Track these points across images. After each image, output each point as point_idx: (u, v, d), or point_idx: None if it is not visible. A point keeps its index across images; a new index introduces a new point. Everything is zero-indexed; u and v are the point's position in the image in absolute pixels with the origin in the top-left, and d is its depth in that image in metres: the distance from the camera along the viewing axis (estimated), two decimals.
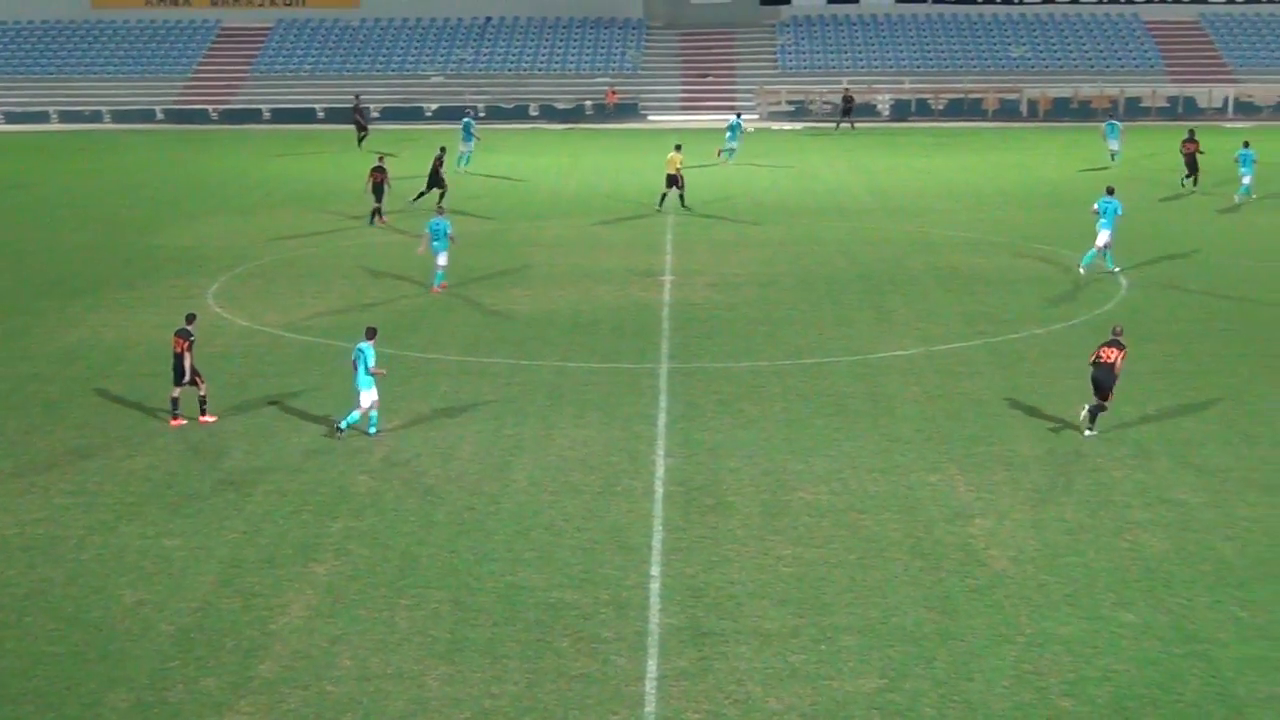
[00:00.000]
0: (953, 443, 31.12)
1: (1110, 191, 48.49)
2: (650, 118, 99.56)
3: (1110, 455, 30.27)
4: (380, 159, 59.68)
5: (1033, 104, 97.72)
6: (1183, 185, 66.69)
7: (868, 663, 21.48)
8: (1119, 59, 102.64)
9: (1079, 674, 21.14)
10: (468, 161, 73.75)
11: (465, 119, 78.35)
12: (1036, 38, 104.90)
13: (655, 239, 54.53)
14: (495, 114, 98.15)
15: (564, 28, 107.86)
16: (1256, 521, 26.78)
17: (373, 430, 31.83)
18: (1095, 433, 31.73)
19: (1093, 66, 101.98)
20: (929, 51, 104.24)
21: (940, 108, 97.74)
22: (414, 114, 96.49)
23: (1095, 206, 47.74)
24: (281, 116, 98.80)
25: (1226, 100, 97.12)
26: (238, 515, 27.35)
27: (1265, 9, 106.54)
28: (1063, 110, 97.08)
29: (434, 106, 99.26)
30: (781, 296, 44.84)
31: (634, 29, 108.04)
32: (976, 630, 22.49)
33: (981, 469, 29.50)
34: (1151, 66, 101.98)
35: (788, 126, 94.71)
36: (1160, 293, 44.92)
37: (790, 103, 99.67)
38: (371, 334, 31.85)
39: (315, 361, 36.89)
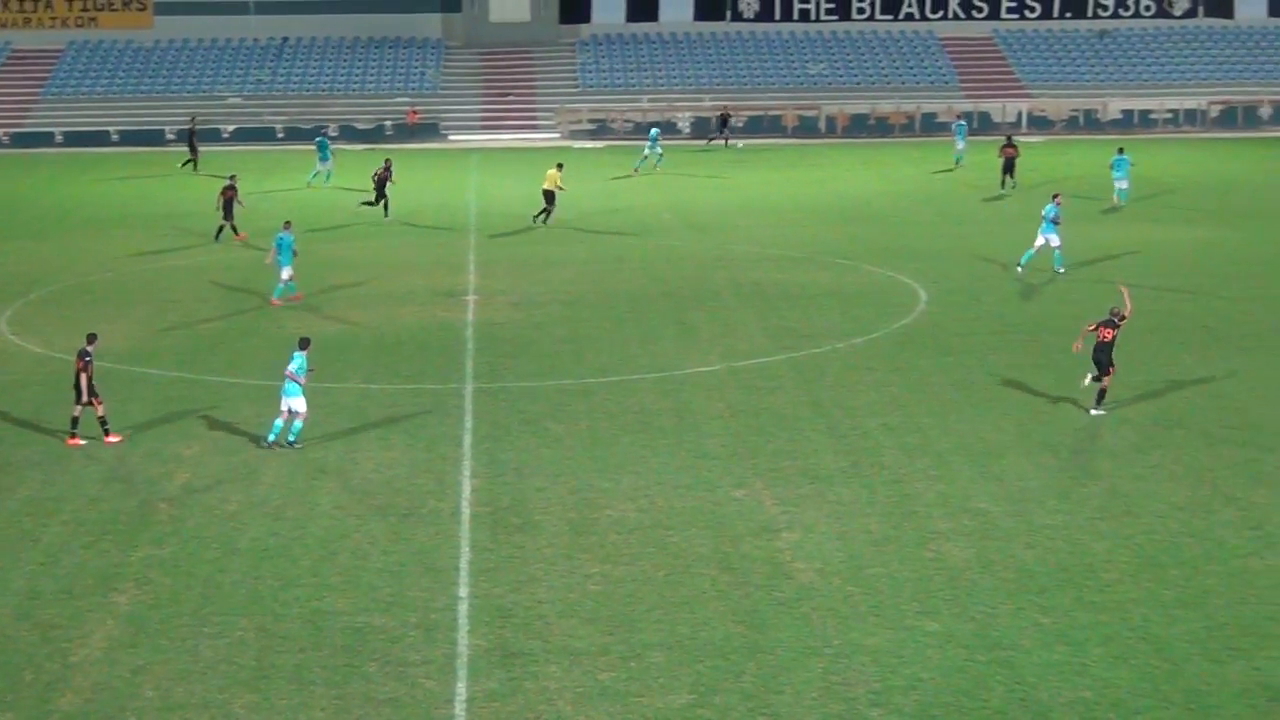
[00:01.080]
0: (758, 457, 31.32)
1: (1056, 198, 51.01)
2: (451, 137, 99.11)
3: (912, 467, 30.64)
4: (231, 178, 59.39)
5: (831, 120, 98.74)
6: (1002, 187, 69.97)
7: (677, 679, 21.50)
8: (915, 76, 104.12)
9: (886, 684, 21.33)
10: (328, 179, 74.17)
11: (320, 138, 78.38)
12: (834, 55, 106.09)
13: (458, 259, 54.31)
14: (294, 135, 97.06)
15: (362, 48, 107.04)
16: (1056, 529, 27.23)
17: (293, 440, 31.99)
18: (1103, 412, 33.89)
19: (889, 83, 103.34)
20: (728, 69, 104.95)
21: (740, 125, 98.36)
22: (211, 135, 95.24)
23: (1044, 212, 50.07)
24: (75, 140, 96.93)
25: (1021, 115, 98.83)
26: (34, 546, 26.75)
27: (1056, 25, 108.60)
28: (861, 127, 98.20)
29: (232, 128, 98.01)
30: (585, 315, 44.87)
31: (433, 48, 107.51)
32: (785, 643, 22.61)
33: (787, 483, 29.71)
34: (947, 83, 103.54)
35: (589, 145, 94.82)
36: (960, 305, 45.59)
37: (591, 121, 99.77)
38: (304, 344, 32.29)
39: (111, 387, 36.23)
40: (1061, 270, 50.06)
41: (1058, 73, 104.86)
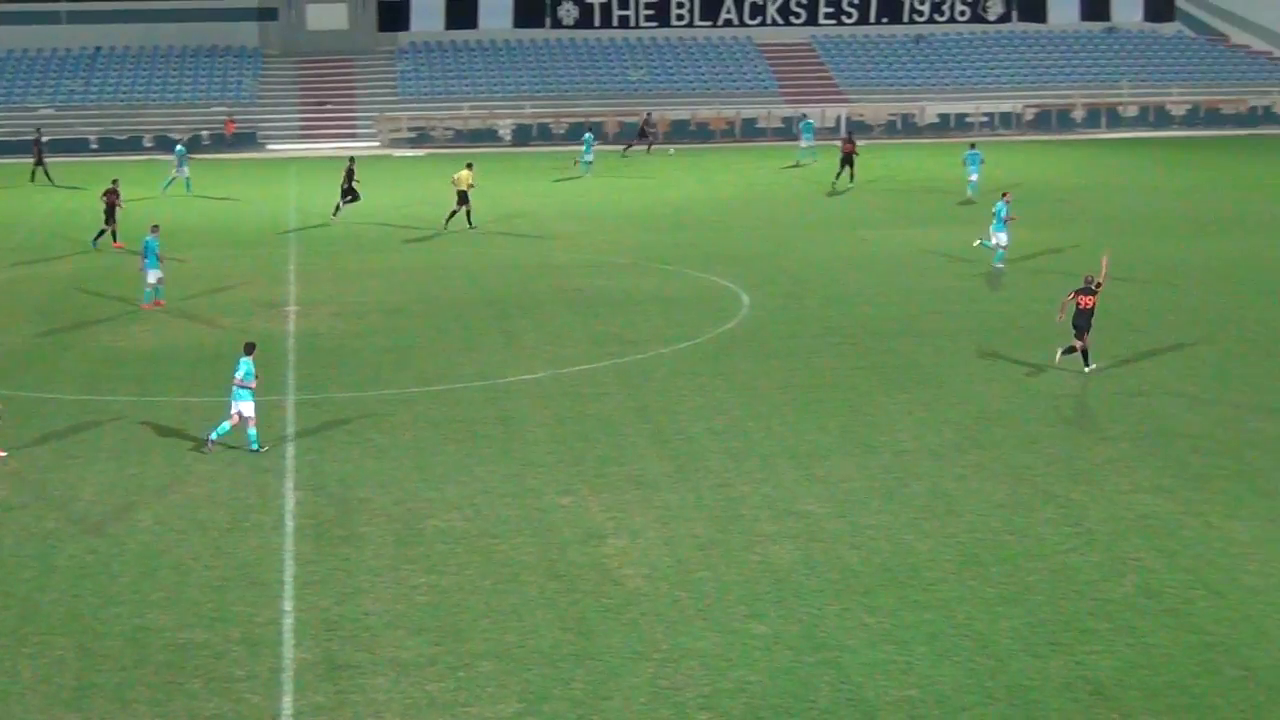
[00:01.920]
0: (584, 464, 31.28)
1: (1005, 195, 52.67)
2: (270, 147, 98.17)
3: (737, 470, 30.76)
4: (114, 182, 59.12)
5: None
6: (836, 179, 72.97)
7: (506, 688, 21.38)
8: (734, 82, 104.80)
9: (714, 687, 21.36)
10: (188, 187, 73.81)
11: (179, 148, 77.69)
12: (654, 62, 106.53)
13: (278, 269, 53.76)
14: (109, 146, 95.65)
15: (177, 57, 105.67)
16: (880, 529, 27.45)
17: (254, 446, 32.02)
18: (1095, 366, 37.49)
19: (709, 89, 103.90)
20: (549, 76, 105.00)
21: (562, 132, 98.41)
22: (22, 148, 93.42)
23: (995, 209, 51.74)
24: None
25: (840, 120, 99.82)
26: None
27: (873, 30, 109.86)
28: (681, 132, 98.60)
29: (45, 139, 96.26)
30: (408, 324, 44.59)
31: (250, 57, 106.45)
32: (613, 649, 22.57)
33: (613, 489, 29.69)
34: (766, 88, 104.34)
35: (410, 153, 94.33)
36: (782, 309, 45.91)
37: (412, 129, 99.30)
38: (250, 349, 32.19)
39: None
40: (1001, 266, 51.44)
41: (875, 78, 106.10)
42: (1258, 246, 56.04)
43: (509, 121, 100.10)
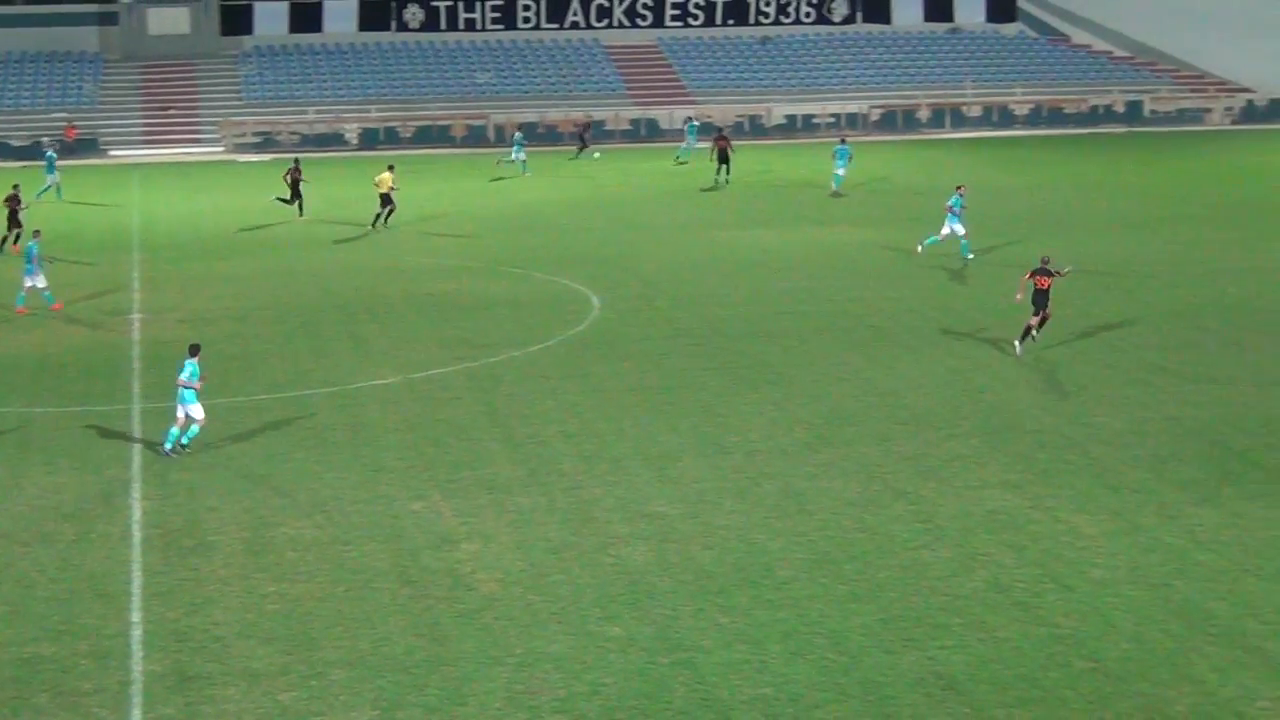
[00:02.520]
0: (436, 469, 31.11)
1: (959, 189, 54.43)
2: (112, 153, 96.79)
3: (590, 473, 30.73)
4: (15, 187, 58.94)
5: (500, 129, 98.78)
6: (717, 176, 74.12)
7: (359, 695, 21.20)
8: (582, 84, 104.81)
9: (569, 690, 21.31)
10: (59, 194, 73.05)
11: (48, 154, 76.82)
12: (500, 64, 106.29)
13: (123, 277, 53.01)
14: None
15: (15, 62, 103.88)
16: (732, 529, 27.53)
17: (184, 441, 32.06)
18: (1038, 338, 39.74)
19: (557, 91, 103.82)
20: (395, 79, 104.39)
21: (409, 135, 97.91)
22: None
23: (949, 203, 53.46)
24: None
25: (688, 121, 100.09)
26: None
27: (719, 32, 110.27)
28: (530, 135, 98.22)
29: None
30: (256, 330, 44.15)
31: (90, 63, 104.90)
32: (467, 654, 22.46)
33: (465, 494, 29.56)
34: (614, 90, 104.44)
35: (255, 159, 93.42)
36: (633, 311, 45.96)
37: (257, 134, 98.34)
38: (195, 350, 32.37)
39: None
40: (970, 257, 53.13)
41: (722, 79, 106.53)
42: (1101, 244, 56.84)
43: (355, 125, 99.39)
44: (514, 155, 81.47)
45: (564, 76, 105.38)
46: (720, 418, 34.63)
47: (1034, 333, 39.85)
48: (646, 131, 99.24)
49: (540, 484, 30.14)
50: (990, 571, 25.48)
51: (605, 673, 21.86)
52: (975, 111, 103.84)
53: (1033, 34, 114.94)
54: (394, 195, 62.29)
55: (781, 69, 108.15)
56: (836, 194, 69.58)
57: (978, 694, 21.10)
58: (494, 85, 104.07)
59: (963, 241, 53.27)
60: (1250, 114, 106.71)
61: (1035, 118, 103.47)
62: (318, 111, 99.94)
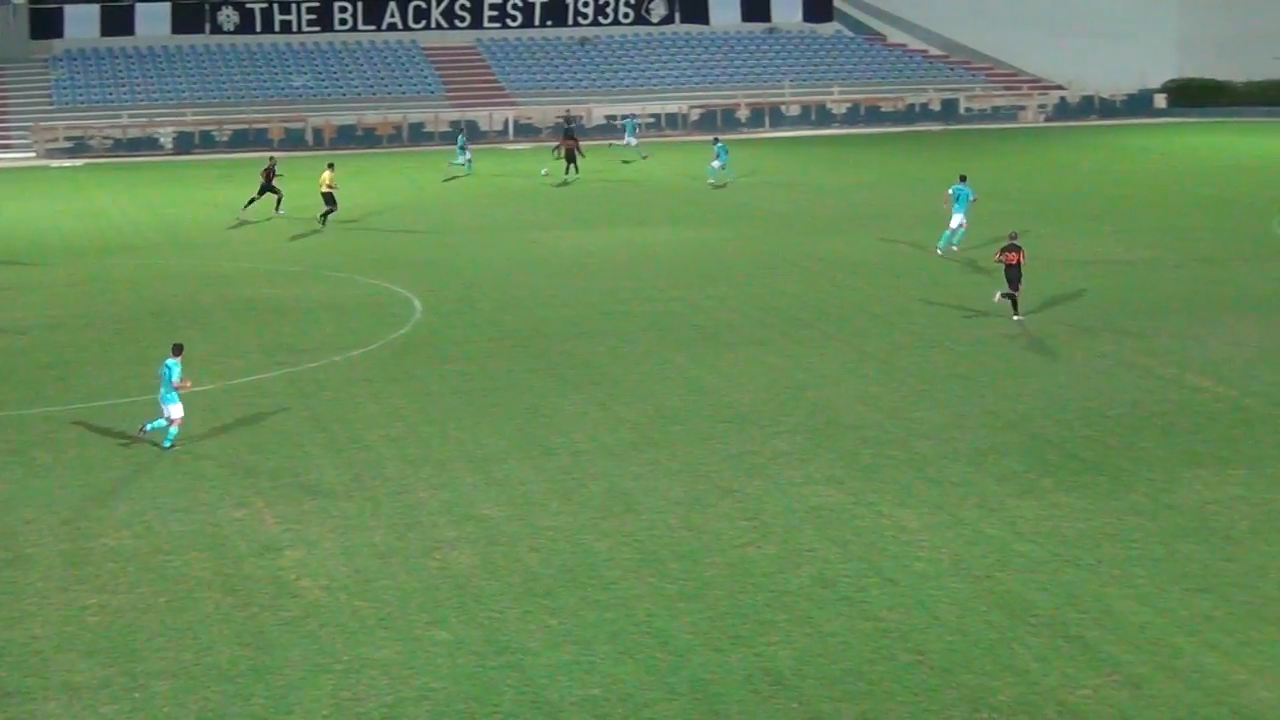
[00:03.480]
0: (258, 476, 30.74)
1: (963, 179, 55.07)
2: None
3: (415, 477, 30.53)
4: None
5: (318, 132, 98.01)
6: (566, 174, 76.16)
7: (183, 706, 20.86)
8: (400, 86, 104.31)
9: (397, 696, 21.13)
10: None
11: None
12: (317, 66, 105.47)
13: None
14: None
15: None
16: (558, 530, 27.48)
17: (168, 445, 32.33)
18: (1022, 318, 42.71)
19: (375, 94, 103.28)
20: (210, 83, 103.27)
21: (225, 139, 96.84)
22: None
23: (950, 192, 54.43)
24: None
25: (507, 123, 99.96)
26: None
27: (538, 33, 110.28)
28: (348, 138, 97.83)
29: None
30: (71, 338, 43.37)
31: None
32: (293, 662, 22.19)
33: (289, 500, 29.23)
34: (433, 92, 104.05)
35: (68, 163, 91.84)
36: (455, 313, 45.77)
37: (69, 139, 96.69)
38: (178, 350, 32.71)
39: None
40: (955, 248, 54.31)
41: (541, 80, 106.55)
42: (920, 239, 57.53)
43: (170, 129, 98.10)
44: (460, 158, 79.90)
45: (382, 78, 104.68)
46: (545, 419, 34.57)
47: (1016, 297, 43.09)
48: (466, 133, 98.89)
49: (365, 489, 29.89)
50: (816, 567, 25.64)
51: (433, 677, 21.71)
52: (794, 110, 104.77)
53: (849, 33, 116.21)
54: (335, 195, 63.09)
55: (601, 70, 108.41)
56: (717, 186, 72.06)
57: (805, 689, 21.21)
58: (311, 88, 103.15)
59: (958, 232, 54.73)
60: (1063, 111, 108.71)
61: (853, 116, 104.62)
62: (131, 115, 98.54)
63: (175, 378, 32.16)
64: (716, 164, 73.30)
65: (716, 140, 75.58)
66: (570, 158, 75.04)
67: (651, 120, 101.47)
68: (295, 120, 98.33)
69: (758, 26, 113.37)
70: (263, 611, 24.05)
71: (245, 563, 26.09)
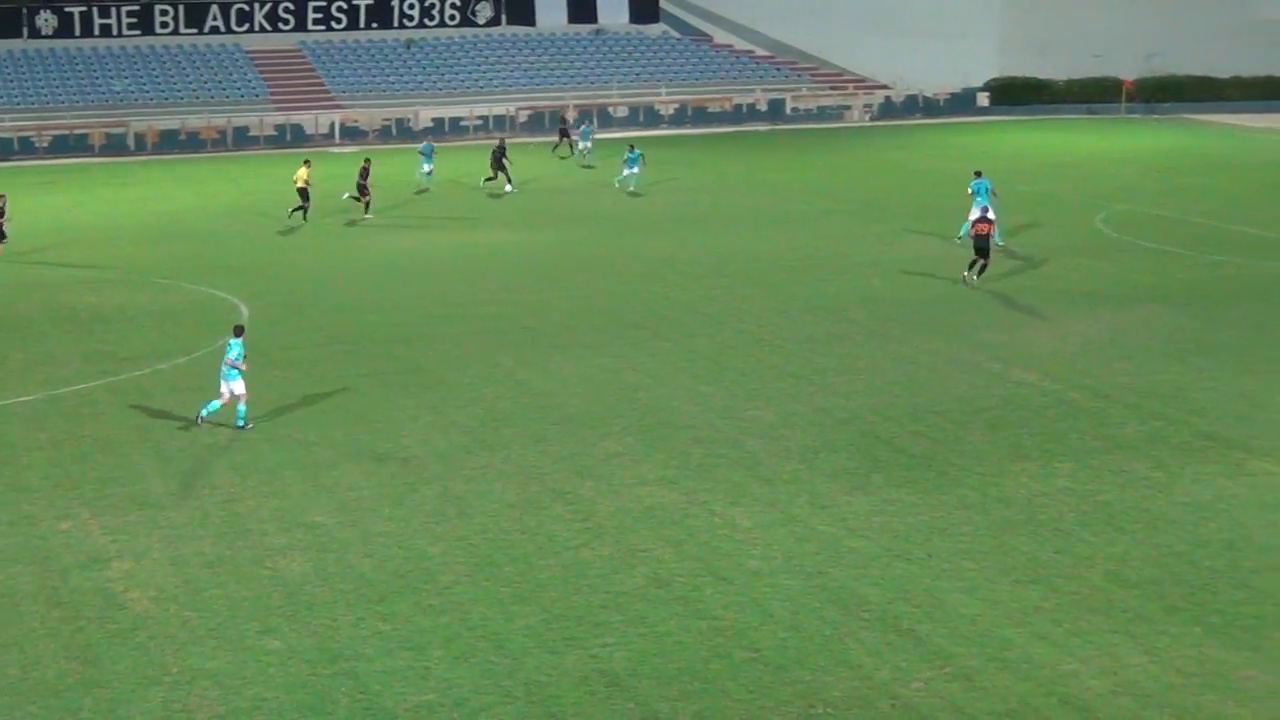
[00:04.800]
0: (83, 487, 30.21)
1: (978, 174, 55.91)
2: None
3: (244, 485, 30.18)
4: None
5: (140, 137, 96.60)
6: (493, 179, 73.03)
7: None
8: (224, 89, 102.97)
9: (230, 706, 20.88)
10: None
11: None
12: (139, 70, 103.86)
13: None
14: None
15: None
16: (391, 536, 27.30)
17: (240, 423, 33.61)
18: (978, 282, 47.60)
19: (199, 98, 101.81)
20: (28, 88, 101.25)
21: (45, 145, 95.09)
22: None
23: (970, 189, 55.12)
24: None
25: (334, 126, 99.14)
26: None
27: (363, 36, 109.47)
28: (171, 143, 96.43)
29: None
30: None
31: None
32: (122, 675, 21.83)
33: (115, 511, 28.76)
34: (257, 96, 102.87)
35: None
36: (282, 319, 45.31)
37: None
38: (239, 331, 34.11)
39: None
40: (1001, 243, 53.43)
41: (368, 83, 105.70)
42: (747, 241, 57.87)
43: None
44: (425, 167, 74.49)
45: (205, 82, 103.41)
46: (376, 424, 34.32)
47: (979, 273, 48.06)
48: (292, 137, 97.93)
49: (193, 498, 29.50)
50: (650, 567, 25.69)
51: (266, 687, 21.47)
52: (622, 112, 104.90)
53: (676, 34, 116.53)
54: (310, 191, 63.19)
55: (427, 72, 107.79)
56: (634, 193, 70.42)
57: (641, 689, 21.24)
58: (132, 92, 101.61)
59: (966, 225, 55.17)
60: (888, 110, 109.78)
61: (680, 117, 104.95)
62: None
63: (234, 356, 33.39)
64: (627, 171, 71.47)
65: (633, 148, 72.79)
66: (497, 164, 72.35)
67: (479, 122, 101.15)
68: (117, 125, 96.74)
69: (584, 28, 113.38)
70: (90, 624, 23.66)
71: (72, 575, 25.65)
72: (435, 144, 78.70)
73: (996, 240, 54.63)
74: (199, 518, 28.37)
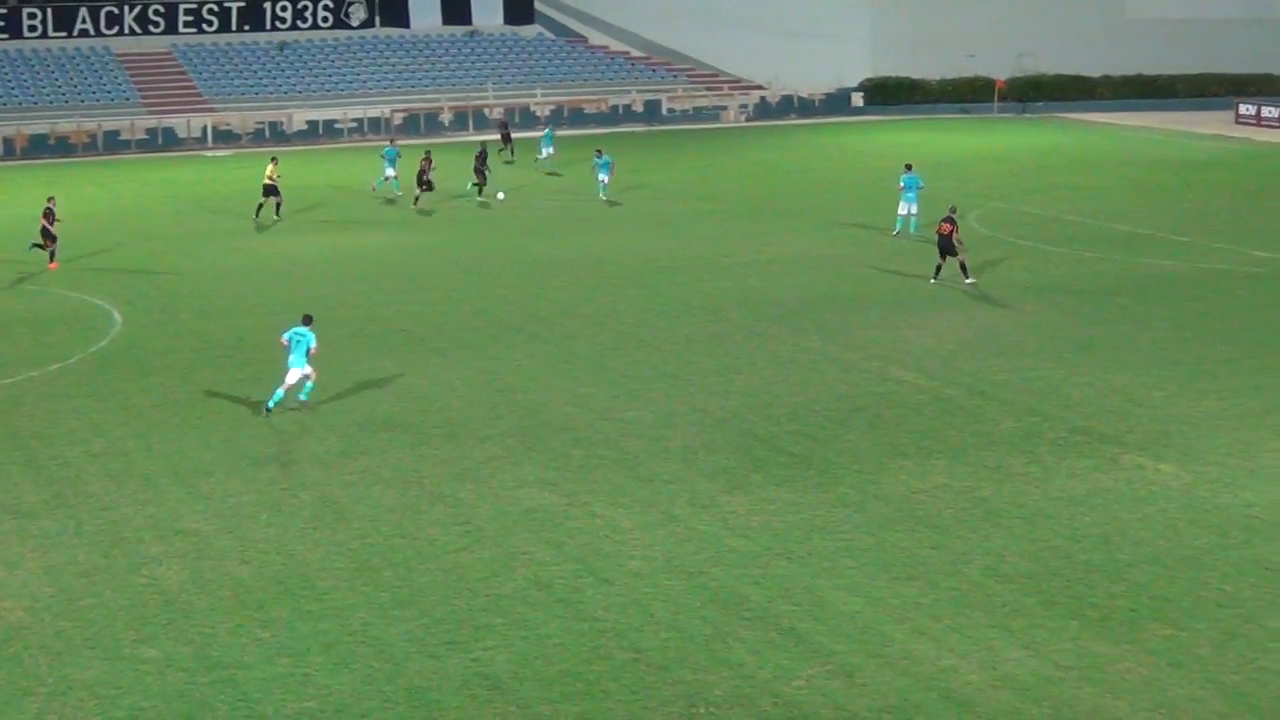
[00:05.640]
0: None
1: (909, 167, 58.19)
2: None
3: (119, 493, 29.83)
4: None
5: (9, 142, 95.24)
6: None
7: None
8: (94, 93, 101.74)
9: (107, 716, 20.64)
10: None
11: None
12: (6, 74, 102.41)
13: None
14: None
15: None
16: (269, 542, 27.09)
17: (304, 397, 35.41)
18: (974, 281, 47.63)
19: (68, 101, 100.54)
20: None
21: None
22: None
23: (900, 183, 57.47)
24: None
25: (206, 129, 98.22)
26: None
27: (235, 38, 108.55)
28: (41, 147, 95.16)
29: None
30: None
31: None
32: None
33: None
34: (128, 100, 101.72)
35: None
36: (157, 324, 44.82)
37: None
38: (308, 320, 35.61)
39: None
40: (914, 231, 57.10)
41: (240, 86, 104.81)
42: (624, 241, 57.90)
43: None
44: (388, 171, 71.35)
45: (75, 86, 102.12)
46: (253, 430, 34.03)
47: (941, 265, 48.27)
48: (163, 141, 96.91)
49: (67, 506, 29.11)
50: (531, 570, 25.65)
51: (143, 696, 21.23)
52: (498, 113, 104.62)
53: (551, 36, 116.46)
54: (278, 185, 64.51)
55: (301, 74, 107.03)
56: (610, 202, 68.38)
57: (523, 692, 21.19)
58: (0, 96, 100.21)
59: (912, 220, 57.70)
60: (764, 111, 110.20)
61: (556, 118, 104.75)
62: None
63: (313, 345, 34.96)
64: (603, 176, 69.52)
65: (600, 153, 70.46)
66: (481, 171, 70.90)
67: (354, 125, 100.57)
68: None
69: (459, 29, 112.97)
70: None
71: None
72: (399, 145, 76.19)
73: (897, 230, 55.75)
74: (73, 526, 28.02)
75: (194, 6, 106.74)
